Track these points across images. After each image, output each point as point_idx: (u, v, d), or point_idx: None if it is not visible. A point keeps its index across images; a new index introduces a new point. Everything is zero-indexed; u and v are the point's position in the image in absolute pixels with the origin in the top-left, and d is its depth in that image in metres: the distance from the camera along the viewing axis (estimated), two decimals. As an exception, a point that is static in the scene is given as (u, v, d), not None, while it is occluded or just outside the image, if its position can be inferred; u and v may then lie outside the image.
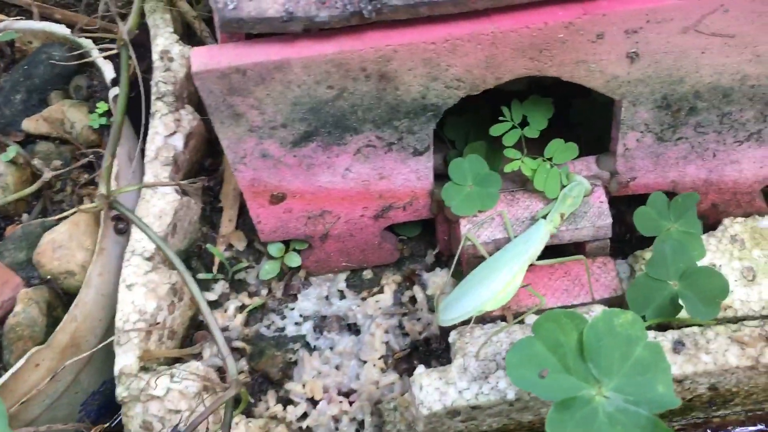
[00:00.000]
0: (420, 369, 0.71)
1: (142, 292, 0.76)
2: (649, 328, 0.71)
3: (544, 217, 0.75)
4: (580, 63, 0.66)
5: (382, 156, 0.73)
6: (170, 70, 0.91)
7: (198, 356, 0.80)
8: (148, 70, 0.93)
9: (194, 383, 0.72)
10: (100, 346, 0.77)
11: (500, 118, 0.75)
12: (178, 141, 0.88)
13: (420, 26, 0.63)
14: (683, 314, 0.71)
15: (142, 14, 0.93)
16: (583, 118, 0.86)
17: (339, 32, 0.63)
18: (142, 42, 1.01)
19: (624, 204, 0.86)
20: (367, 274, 0.87)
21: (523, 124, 0.76)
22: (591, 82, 0.68)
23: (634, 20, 0.62)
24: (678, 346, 0.68)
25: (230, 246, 0.89)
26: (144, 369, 0.74)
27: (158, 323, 0.76)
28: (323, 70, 0.64)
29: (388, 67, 0.64)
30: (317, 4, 0.60)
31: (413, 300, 0.85)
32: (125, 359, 0.73)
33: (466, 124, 0.86)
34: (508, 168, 0.75)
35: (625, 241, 0.86)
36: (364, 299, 0.85)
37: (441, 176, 0.78)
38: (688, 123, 0.72)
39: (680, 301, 0.69)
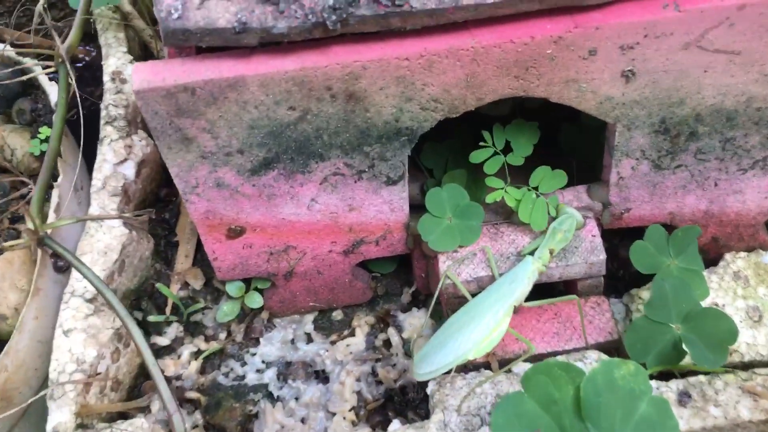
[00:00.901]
0: (395, 425, 0.63)
1: (81, 339, 0.68)
2: (650, 377, 0.64)
3: (531, 253, 0.67)
4: (570, 82, 0.59)
5: (352, 185, 0.66)
6: (122, 93, 0.84)
7: (145, 410, 0.71)
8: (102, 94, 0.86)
9: (138, 443, 0.63)
10: (34, 399, 0.69)
11: (481, 144, 0.68)
12: (129, 169, 0.80)
13: (392, 40, 0.56)
14: (687, 360, 0.64)
15: (89, 31, 0.86)
16: (572, 144, 0.79)
17: (300, 46, 0.56)
18: (97, 63, 0.94)
19: (617, 237, 0.80)
20: (337, 315, 0.79)
21: (507, 150, 0.70)
22: (582, 104, 0.61)
23: (630, 35, 0.56)
24: (684, 398, 0.61)
25: (186, 285, 0.81)
26: (82, 426, 0.65)
27: (99, 373, 0.68)
28: (283, 89, 0.57)
29: (356, 85, 0.57)
30: (274, 13, 0.53)
31: (388, 344, 0.77)
32: (59, 415, 0.64)
33: (445, 150, 0.80)
34: (489, 198, 0.68)
35: (618, 277, 0.79)
36: (333, 343, 0.77)
37: (417, 207, 0.70)
38: (688, 149, 0.65)
39: (684, 347, 0.62)
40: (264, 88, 0.56)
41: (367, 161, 0.64)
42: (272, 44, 0.56)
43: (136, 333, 0.64)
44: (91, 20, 0.93)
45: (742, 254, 0.74)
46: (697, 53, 0.57)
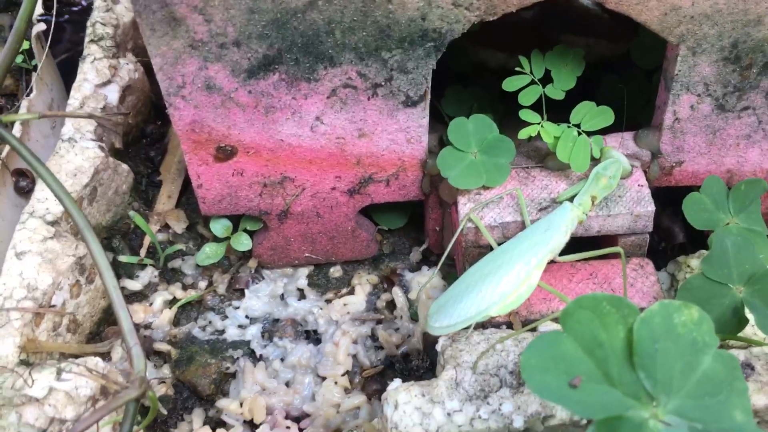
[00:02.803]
0: (396, 382, 0.53)
1: (35, 263, 0.58)
2: (704, 346, 0.54)
3: (570, 200, 0.58)
4: (632, -18, 0.50)
5: (364, 104, 0.56)
6: (112, 12, 0.75)
7: (105, 357, 0.61)
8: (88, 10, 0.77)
9: (89, 384, 0.53)
10: (-26, 331, 0.58)
11: (517, 69, 0.59)
12: (113, 93, 0.71)
13: None
14: (748, 333, 0.54)
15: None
16: (613, 97, 0.70)
17: None
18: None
19: (659, 204, 0.70)
20: (336, 271, 0.69)
21: (546, 82, 0.60)
22: (643, 15, 0.52)
23: None
24: (746, 369, 0.51)
25: (167, 227, 0.71)
26: (25, 363, 0.55)
27: (53, 306, 0.58)
28: (293, -39, 0.48)
29: (380, -36, 0.48)
30: None
31: (391, 305, 0.67)
32: (0, 347, 0.54)
33: (469, 97, 0.70)
34: (523, 133, 0.58)
35: (659, 251, 0.69)
36: (329, 301, 0.67)
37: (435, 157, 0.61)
38: (759, 86, 0.56)
39: (746, 313, 0.52)
40: (270, -44, 0.47)
41: (384, 72, 0.54)
42: None
43: (99, 254, 0.54)
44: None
45: (807, 229, 0.64)
46: (787, -47, 0.48)
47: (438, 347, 0.54)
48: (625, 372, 0.41)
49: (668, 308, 0.43)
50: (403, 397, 0.50)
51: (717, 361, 0.43)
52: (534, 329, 0.54)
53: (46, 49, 0.73)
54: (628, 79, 0.69)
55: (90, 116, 0.62)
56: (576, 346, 0.42)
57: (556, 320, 0.55)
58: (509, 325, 0.57)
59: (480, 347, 0.52)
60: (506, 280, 0.53)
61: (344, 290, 0.68)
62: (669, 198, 0.67)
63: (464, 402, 0.49)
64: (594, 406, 0.40)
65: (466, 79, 0.74)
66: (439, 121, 0.67)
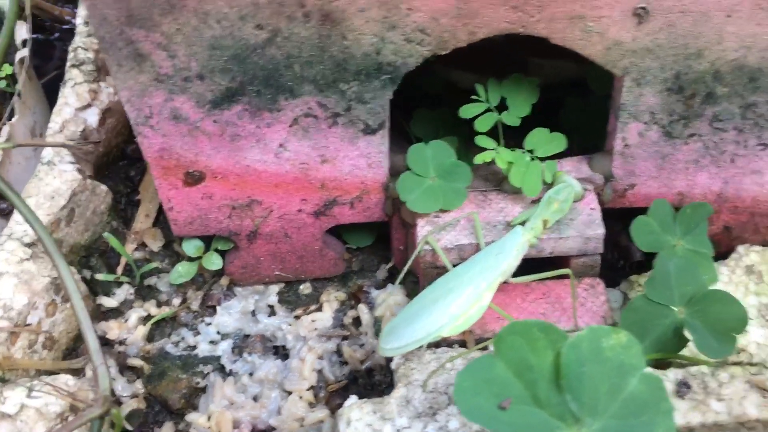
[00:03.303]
0: (351, 399, 0.55)
1: (11, 284, 0.60)
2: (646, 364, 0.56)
3: (523, 223, 0.60)
4: (575, 20, 0.52)
5: (325, 131, 0.59)
6: (94, 36, 0.78)
7: (80, 372, 0.64)
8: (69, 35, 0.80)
9: (58, 401, 0.56)
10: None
11: (473, 97, 0.61)
12: (92, 116, 0.74)
13: (375, -48, 0.50)
14: (691, 352, 0.56)
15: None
16: (576, 121, 0.72)
17: (270, -50, 0.49)
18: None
19: (618, 224, 0.72)
20: (305, 288, 0.72)
21: (502, 108, 0.63)
22: (587, 49, 0.54)
23: (645, -38, 0.49)
24: (682, 388, 0.53)
25: (143, 246, 0.73)
26: (1, 380, 0.58)
27: (29, 325, 0.60)
28: (250, 1, 0.50)
29: (333, 4, 0.51)
30: None
31: (357, 322, 0.69)
32: (-24, 364, 0.57)
33: (437, 119, 0.73)
34: (478, 159, 0.61)
35: (617, 268, 0.72)
36: (297, 317, 0.70)
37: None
38: (704, 114, 0.58)
39: (686, 333, 0.55)
40: (227, -3, 0.50)
41: (343, 102, 0.57)
42: (240, -52, 0.50)
43: (66, 275, 0.56)
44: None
45: (757, 248, 0.66)
46: (720, -8, 0.51)
47: (392, 365, 0.57)
48: (553, 394, 0.44)
49: (597, 333, 0.45)
50: (355, 414, 0.53)
51: (643, 383, 0.45)
52: (485, 348, 0.57)
53: (23, 72, 0.76)
54: (589, 102, 0.71)
55: (63, 145, 0.65)
56: (507, 370, 0.44)
57: (507, 339, 0.57)
58: (462, 344, 0.59)
59: (431, 366, 0.55)
60: (456, 303, 0.56)
61: (313, 307, 0.70)
62: (629, 217, 0.70)
63: (413, 419, 0.52)
64: (521, 428, 0.43)
65: (439, 98, 0.77)
66: (409, 142, 0.70)
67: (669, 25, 0.52)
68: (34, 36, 0.85)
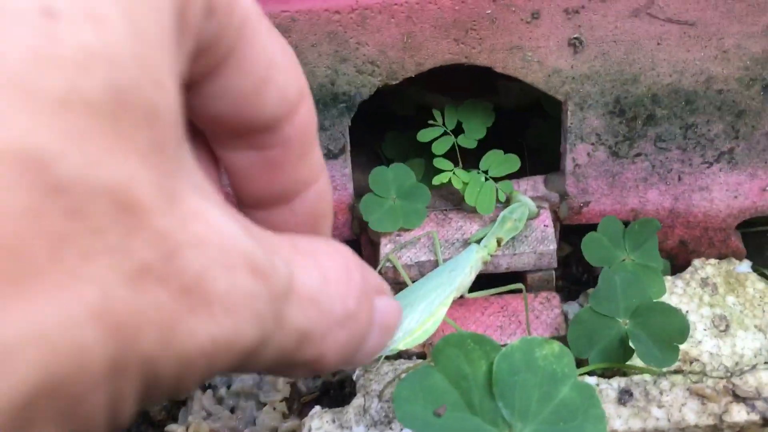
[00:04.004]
0: (315, 409, 0.59)
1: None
2: (592, 373, 0.59)
3: (478, 241, 0.63)
4: (514, 50, 0.56)
5: (290, 157, 0.63)
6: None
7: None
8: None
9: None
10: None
11: (429, 122, 0.65)
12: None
13: (323, -8, 0.54)
14: (637, 361, 0.59)
15: None
16: (539, 140, 0.76)
17: (226, -7, 0.53)
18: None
19: (580, 238, 0.75)
20: (282, 304, 0.75)
21: (460, 132, 0.66)
22: (529, 77, 0.58)
23: (574, -4, 0.53)
24: (625, 396, 0.56)
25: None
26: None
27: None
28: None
29: (286, 40, 0.54)
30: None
31: (330, 336, 0.73)
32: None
33: (407, 141, 0.76)
34: (436, 180, 0.64)
35: (582, 282, 0.75)
36: (274, 333, 0.73)
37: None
38: (647, 135, 0.61)
39: (631, 344, 0.57)
40: (189, 36, 0.54)
41: (304, 130, 0.61)
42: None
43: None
44: None
45: (713, 261, 0.69)
46: (648, 22, 0.54)
47: (354, 376, 0.60)
48: (486, 401, 0.47)
49: (530, 343, 0.49)
50: (315, 423, 0.56)
51: (574, 391, 0.48)
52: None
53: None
54: (552, 122, 0.75)
55: None
56: (444, 379, 0.48)
57: (464, 351, 0.60)
58: (421, 356, 0.63)
59: (387, 377, 0.58)
60: (411, 318, 0.59)
61: (289, 322, 0.74)
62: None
63: (370, 427, 0.55)
64: (454, 432, 0.46)
65: (411, 120, 0.81)
66: (382, 164, 0.74)
67: (603, 53, 0.56)
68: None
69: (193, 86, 0.25)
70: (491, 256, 0.62)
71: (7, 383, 0.16)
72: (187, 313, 0.19)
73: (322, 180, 0.31)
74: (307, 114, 0.29)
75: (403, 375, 0.58)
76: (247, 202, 0.31)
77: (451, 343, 0.48)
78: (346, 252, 0.29)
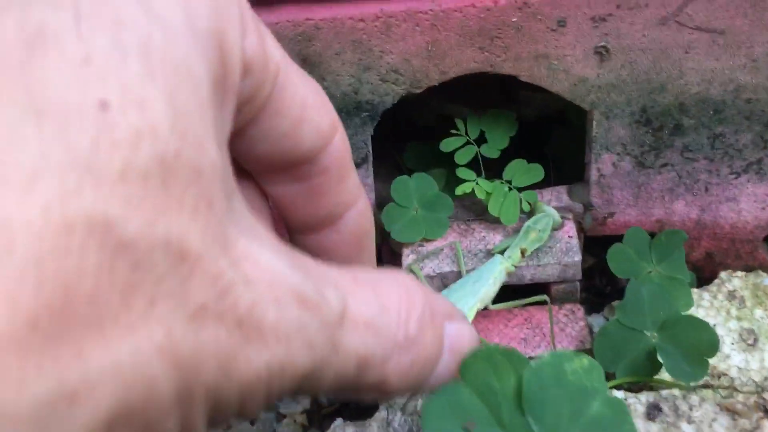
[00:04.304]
0: (337, 422, 0.58)
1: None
2: (619, 387, 0.58)
3: (502, 252, 0.63)
4: (540, 58, 0.55)
5: (312, 167, 0.62)
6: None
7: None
8: None
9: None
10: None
11: (452, 131, 0.64)
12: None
13: None
14: (665, 375, 0.58)
15: None
16: (562, 150, 0.75)
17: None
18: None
19: (605, 251, 0.74)
20: (302, 316, 0.75)
21: (482, 141, 0.66)
22: (555, 86, 0.57)
23: (601, 4, 0.52)
24: (653, 411, 0.55)
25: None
26: None
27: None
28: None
29: (310, 48, 0.54)
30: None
31: (350, 348, 0.72)
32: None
33: (429, 152, 0.76)
34: (459, 190, 0.63)
35: (605, 294, 0.74)
36: (294, 344, 0.73)
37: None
38: (674, 145, 0.60)
39: (659, 357, 0.56)
40: (212, 45, 0.54)
41: (326, 139, 0.60)
42: None
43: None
44: None
45: (740, 273, 0.68)
46: (676, 30, 0.53)
47: (376, 389, 0.59)
48: (516, 417, 0.46)
49: (560, 357, 0.47)
50: (338, 436, 0.55)
51: (605, 406, 0.47)
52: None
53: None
54: (574, 133, 0.74)
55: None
56: (472, 394, 0.46)
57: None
58: (444, 369, 0.62)
59: (410, 390, 0.57)
60: (435, 329, 0.58)
61: (309, 334, 0.73)
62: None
63: (392, 440, 0.55)
64: (482, 448, 0.45)
65: (431, 131, 0.80)
66: (402, 174, 0.73)
67: (630, 62, 0.55)
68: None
69: (237, 133, 0.28)
70: (515, 267, 0.62)
71: (91, 412, 0.19)
72: (243, 344, 0.22)
73: (361, 201, 0.34)
74: (340, 143, 0.32)
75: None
76: (296, 228, 0.34)
77: (479, 357, 0.47)
78: (408, 281, 0.31)
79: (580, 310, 0.64)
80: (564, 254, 0.63)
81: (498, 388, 0.47)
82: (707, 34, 0.53)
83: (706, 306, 0.65)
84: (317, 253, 0.35)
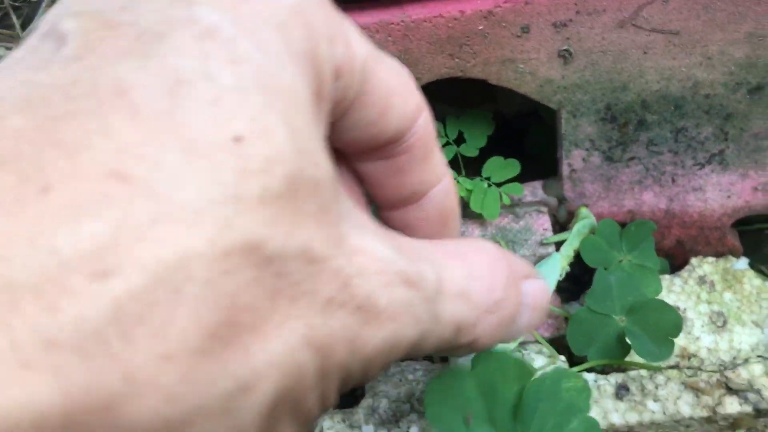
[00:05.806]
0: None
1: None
2: (591, 370, 0.62)
3: (550, 244, 0.67)
4: (507, 62, 0.59)
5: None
6: None
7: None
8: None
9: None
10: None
11: (431, 133, 0.68)
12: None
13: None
14: (635, 358, 0.61)
15: None
16: (538, 146, 0.78)
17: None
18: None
19: (581, 241, 0.78)
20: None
21: (461, 141, 0.69)
22: (523, 87, 0.60)
23: (561, 11, 0.55)
24: (621, 391, 0.58)
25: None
26: None
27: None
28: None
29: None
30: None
31: (342, 340, 0.76)
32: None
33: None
34: (439, 188, 0.67)
35: (583, 282, 0.77)
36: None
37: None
38: (639, 140, 0.64)
39: (628, 340, 0.60)
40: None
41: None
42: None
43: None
44: None
45: (710, 259, 0.71)
46: (634, 32, 0.56)
47: (363, 378, 0.63)
48: (507, 420, 0.49)
49: (560, 376, 0.50)
50: (327, 423, 0.59)
51: (582, 424, 0.50)
52: (445, 359, 0.62)
53: None
54: (549, 129, 0.77)
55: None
56: (476, 388, 0.49)
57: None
58: (428, 358, 0.65)
59: (395, 378, 0.61)
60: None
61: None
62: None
63: (378, 426, 0.58)
64: (477, 445, 0.48)
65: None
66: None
67: (592, 63, 0.58)
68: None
69: (332, 126, 0.31)
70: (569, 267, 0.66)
71: (260, 399, 0.23)
72: (363, 326, 0.26)
73: (445, 180, 0.37)
74: (425, 123, 0.34)
75: (410, 376, 0.61)
76: (383, 205, 0.37)
77: (494, 356, 0.50)
78: (491, 248, 0.35)
79: (556, 299, 0.68)
80: (539, 246, 0.66)
81: (500, 391, 0.50)
82: (663, 36, 0.56)
83: (677, 291, 0.69)
84: (403, 228, 0.38)
